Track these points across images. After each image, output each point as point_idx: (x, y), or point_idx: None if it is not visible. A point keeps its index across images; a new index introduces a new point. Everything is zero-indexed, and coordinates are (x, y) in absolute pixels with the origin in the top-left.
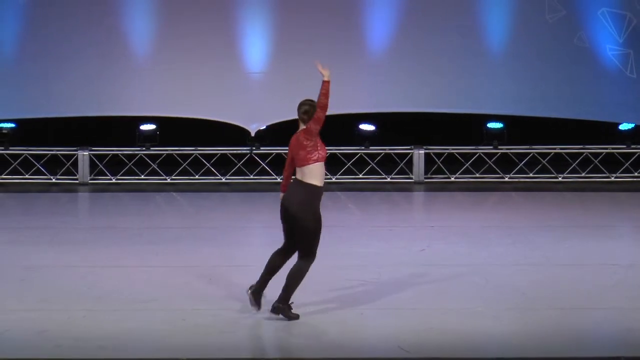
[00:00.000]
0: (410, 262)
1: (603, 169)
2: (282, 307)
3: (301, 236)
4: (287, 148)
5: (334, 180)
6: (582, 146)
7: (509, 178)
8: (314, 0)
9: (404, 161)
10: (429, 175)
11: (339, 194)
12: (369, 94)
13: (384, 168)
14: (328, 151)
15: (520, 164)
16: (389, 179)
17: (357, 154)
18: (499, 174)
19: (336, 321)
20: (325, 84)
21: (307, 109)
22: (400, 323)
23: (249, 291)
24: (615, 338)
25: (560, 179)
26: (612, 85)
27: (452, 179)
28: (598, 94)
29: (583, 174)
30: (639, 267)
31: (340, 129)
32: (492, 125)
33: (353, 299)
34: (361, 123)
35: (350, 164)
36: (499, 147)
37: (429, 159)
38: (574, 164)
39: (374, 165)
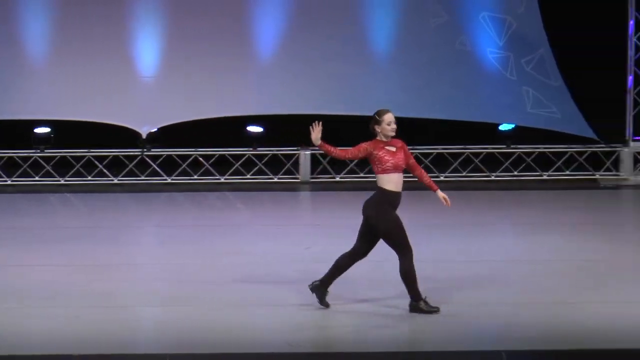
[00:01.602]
0: (297, 260)
1: (483, 168)
2: (417, 305)
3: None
4: (179, 150)
5: (222, 180)
6: (462, 146)
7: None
8: (203, 7)
9: (291, 162)
10: (314, 176)
11: (228, 194)
12: (257, 97)
13: (271, 168)
14: (217, 152)
15: None
16: (276, 179)
17: (245, 155)
18: None
19: (224, 317)
20: (321, 148)
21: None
22: (289, 320)
23: (314, 287)
24: (496, 332)
25: (442, 178)
26: (492, 87)
27: (337, 179)
28: (479, 96)
29: (464, 173)
30: (518, 262)
31: (228, 130)
32: None
33: (241, 297)
34: (249, 125)
35: (239, 165)
36: None
37: (314, 160)
38: (455, 164)
39: (262, 166)
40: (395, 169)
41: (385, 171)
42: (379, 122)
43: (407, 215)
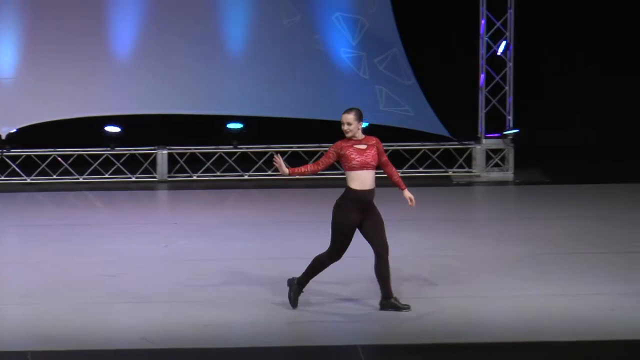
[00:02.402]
0: (154, 258)
1: (338, 166)
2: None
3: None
4: (38, 150)
5: (81, 180)
6: (317, 145)
7: (249, 176)
8: (60, 9)
9: (148, 161)
10: (172, 174)
11: (87, 193)
12: (115, 97)
13: (129, 168)
14: (75, 152)
15: (260, 162)
16: (134, 178)
17: (104, 154)
18: (239, 172)
19: (84, 315)
20: (295, 174)
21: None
22: (144, 316)
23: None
24: (352, 328)
25: (297, 176)
26: (346, 86)
27: (195, 178)
28: (333, 95)
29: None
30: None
31: (86, 131)
32: (232, 125)
33: (101, 294)
34: (107, 125)
35: (97, 165)
36: (239, 146)
37: (172, 159)
38: (310, 162)
39: (120, 166)
40: (362, 166)
41: (351, 169)
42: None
43: (262, 212)
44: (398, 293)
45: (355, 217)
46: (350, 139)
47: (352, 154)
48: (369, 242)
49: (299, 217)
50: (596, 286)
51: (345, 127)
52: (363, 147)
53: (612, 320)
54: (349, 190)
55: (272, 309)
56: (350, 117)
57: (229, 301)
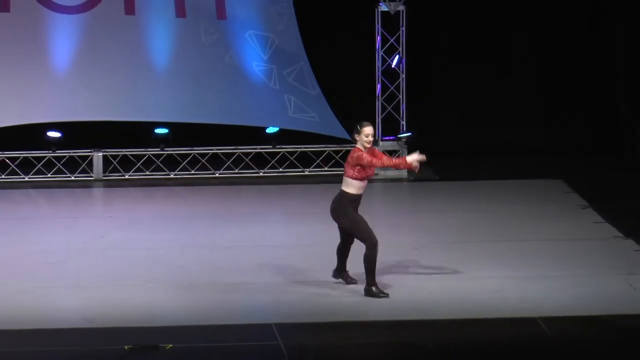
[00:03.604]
0: (92, 247)
1: (253, 165)
2: (370, 289)
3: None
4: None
5: (26, 179)
6: (235, 147)
7: (174, 175)
8: (6, 31)
9: (86, 162)
10: (107, 174)
11: (31, 191)
12: (55, 105)
13: (69, 168)
14: (21, 155)
15: (184, 163)
16: (73, 178)
17: (46, 156)
18: (166, 171)
19: (27, 297)
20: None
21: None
22: (84, 299)
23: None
24: (267, 307)
25: (217, 175)
26: (259, 95)
27: (127, 177)
28: (248, 103)
29: (236, 170)
30: (286, 247)
31: (31, 135)
32: (158, 130)
33: (43, 279)
34: (49, 130)
35: (40, 165)
36: (165, 148)
37: (106, 160)
38: (228, 162)
39: (60, 166)
40: (366, 178)
41: (360, 179)
42: (358, 133)
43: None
44: (306, 277)
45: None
46: (361, 148)
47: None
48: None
49: (218, 211)
50: (482, 271)
51: (370, 139)
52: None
53: (498, 300)
54: (346, 194)
55: (193, 291)
56: (372, 129)
57: (157, 284)
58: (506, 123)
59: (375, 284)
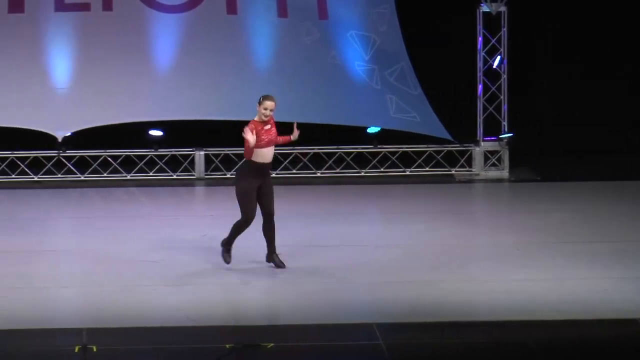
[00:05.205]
0: (194, 246)
1: (354, 165)
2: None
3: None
4: (90, 151)
5: (128, 177)
6: (336, 147)
7: (276, 174)
8: (109, 27)
9: (187, 161)
10: (208, 173)
11: (133, 189)
12: (158, 104)
13: (171, 167)
14: (123, 153)
15: (285, 162)
16: (175, 176)
17: (148, 155)
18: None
19: (129, 295)
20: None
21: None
22: (188, 296)
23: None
24: (368, 307)
25: (318, 174)
26: (360, 95)
27: (228, 175)
28: (349, 103)
29: (338, 170)
30: (386, 247)
31: (133, 134)
32: None
33: (145, 276)
34: (151, 129)
35: (142, 164)
36: None
37: (208, 159)
38: (329, 162)
39: (162, 165)
40: (268, 144)
41: (259, 147)
42: (259, 104)
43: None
44: (406, 277)
45: (255, 183)
46: (259, 121)
47: (262, 134)
48: (260, 206)
49: (318, 210)
50: (580, 271)
51: (267, 112)
52: (268, 126)
53: (597, 301)
54: (251, 163)
55: (293, 289)
56: (273, 105)
57: (256, 283)
58: (606, 122)
59: (229, 249)
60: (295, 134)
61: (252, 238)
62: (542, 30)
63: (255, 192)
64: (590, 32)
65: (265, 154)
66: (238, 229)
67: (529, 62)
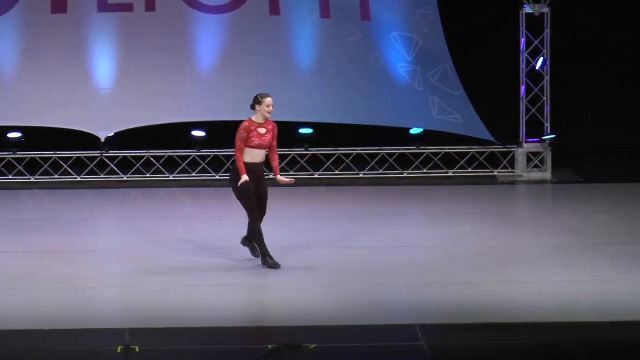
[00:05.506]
0: (237, 247)
1: (397, 166)
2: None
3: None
4: (133, 151)
5: (171, 178)
6: (378, 147)
7: (318, 175)
8: (149, 27)
9: (230, 161)
10: None
11: (175, 190)
12: (200, 105)
13: (214, 167)
14: (166, 153)
15: (328, 163)
16: (217, 177)
17: (190, 155)
18: (310, 171)
19: (169, 295)
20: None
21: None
22: (232, 297)
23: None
24: (410, 308)
25: (361, 175)
26: (403, 96)
27: (270, 176)
28: (392, 104)
29: (380, 171)
30: (428, 247)
31: (176, 134)
32: (303, 130)
33: (184, 277)
34: (193, 129)
35: (185, 164)
36: (309, 149)
37: None
38: (372, 162)
39: (205, 165)
40: (257, 147)
41: (250, 146)
42: (259, 103)
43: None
44: (448, 278)
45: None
46: (256, 121)
47: (254, 137)
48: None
49: (361, 211)
50: (623, 273)
51: (271, 109)
52: (263, 130)
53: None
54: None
55: (336, 290)
56: (272, 100)
57: (300, 283)
58: None
59: (267, 254)
60: (281, 179)
61: (294, 240)
62: (584, 30)
63: (253, 191)
64: (632, 32)
65: (255, 155)
66: (255, 229)
67: (572, 62)
